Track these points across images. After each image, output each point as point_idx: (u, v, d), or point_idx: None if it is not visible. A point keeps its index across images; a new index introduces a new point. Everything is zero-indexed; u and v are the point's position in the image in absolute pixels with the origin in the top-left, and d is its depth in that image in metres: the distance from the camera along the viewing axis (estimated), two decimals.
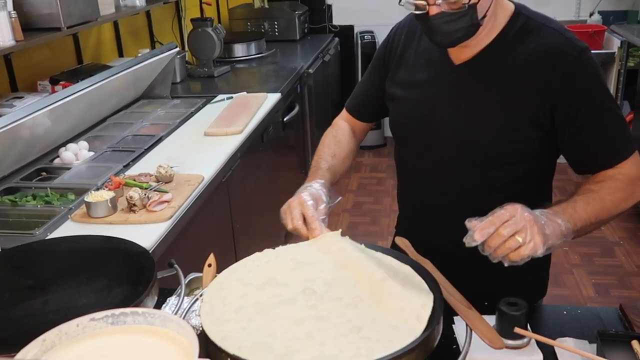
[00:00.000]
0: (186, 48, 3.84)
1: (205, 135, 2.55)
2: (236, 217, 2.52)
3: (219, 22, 4.58)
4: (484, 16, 1.19)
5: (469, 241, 1.04)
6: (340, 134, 1.54)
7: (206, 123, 2.68)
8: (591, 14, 4.67)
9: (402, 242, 1.31)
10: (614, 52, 4.19)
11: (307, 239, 1.22)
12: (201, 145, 2.44)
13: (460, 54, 1.29)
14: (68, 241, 1.38)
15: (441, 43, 1.24)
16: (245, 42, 4.17)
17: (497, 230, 1.02)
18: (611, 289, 3.10)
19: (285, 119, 3.40)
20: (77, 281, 1.16)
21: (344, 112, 1.61)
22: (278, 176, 3.41)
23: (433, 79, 1.34)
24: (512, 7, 1.28)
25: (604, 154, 1.24)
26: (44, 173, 2.24)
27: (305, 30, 4.81)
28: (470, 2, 1.15)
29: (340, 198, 1.35)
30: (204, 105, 3.02)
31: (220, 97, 3.14)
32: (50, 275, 1.19)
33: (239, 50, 4.13)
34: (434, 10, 1.16)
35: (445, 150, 1.33)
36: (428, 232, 1.41)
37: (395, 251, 1.20)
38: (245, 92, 3.18)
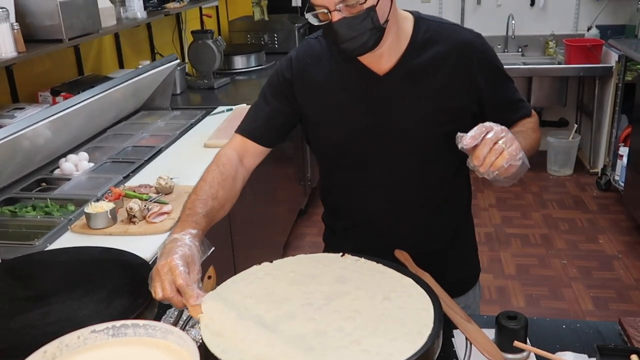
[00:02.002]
0: (186, 60, 3.86)
1: (205, 147, 2.56)
2: (235, 229, 2.52)
3: (219, 34, 4.61)
4: (386, 20, 1.26)
5: (462, 145, 1.14)
6: (226, 171, 1.39)
7: (206, 134, 2.69)
8: (589, 28, 4.70)
9: (402, 255, 1.31)
10: (612, 66, 4.22)
11: (182, 307, 1.08)
12: (201, 157, 2.44)
13: (380, 65, 1.35)
14: (68, 252, 1.39)
15: (349, 49, 1.27)
16: (245, 54, 4.19)
17: (483, 138, 1.13)
18: (610, 302, 3.10)
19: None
20: (77, 292, 1.16)
21: (235, 139, 1.48)
22: (277, 188, 3.41)
23: (362, 93, 1.37)
24: (411, 16, 1.39)
25: (521, 108, 1.46)
26: (44, 184, 2.24)
27: None
28: (368, 6, 1.21)
29: (213, 249, 1.24)
30: (203, 116, 3.04)
31: (220, 108, 3.16)
32: (51, 287, 1.20)
33: (239, 62, 4.15)
34: (336, 17, 1.21)
35: (388, 158, 1.39)
36: (373, 240, 1.45)
37: (395, 264, 1.21)
38: (245, 104, 3.19)
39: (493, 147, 1.12)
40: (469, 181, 1.56)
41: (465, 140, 1.13)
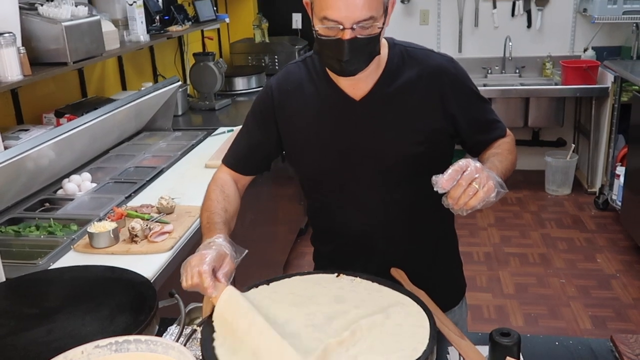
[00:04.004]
0: (188, 81, 3.92)
1: (206, 167, 2.60)
2: (235, 247, 2.55)
3: (221, 56, 4.68)
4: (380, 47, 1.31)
5: (437, 188, 1.17)
6: (227, 189, 1.50)
7: (207, 155, 2.73)
8: (585, 50, 4.76)
9: (398, 274, 1.34)
10: (608, 87, 4.27)
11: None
12: (202, 177, 2.48)
13: (357, 90, 1.39)
14: (72, 271, 1.42)
15: (347, 69, 1.29)
16: (246, 75, 4.25)
17: (458, 181, 1.15)
18: (608, 321, 3.11)
19: (284, 152, 3.45)
20: (81, 310, 1.19)
21: (223, 167, 1.57)
22: (277, 207, 3.44)
23: (338, 118, 1.40)
24: (385, 42, 1.42)
25: (495, 129, 1.48)
26: (47, 204, 2.28)
27: None
28: (379, 32, 1.26)
29: (246, 251, 1.33)
30: (205, 137, 3.08)
31: (221, 129, 3.20)
32: (55, 304, 1.23)
33: (240, 83, 4.21)
34: (348, 35, 1.23)
35: (370, 178, 1.42)
36: (356, 259, 1.47)
37: (390, 282, 1.24)
38: None
39: (467, 188, 1.14)
40: None
41: (441, 183, 1.15)
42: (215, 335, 1.08)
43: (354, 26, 1.22)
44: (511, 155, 1.43)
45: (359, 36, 1.24)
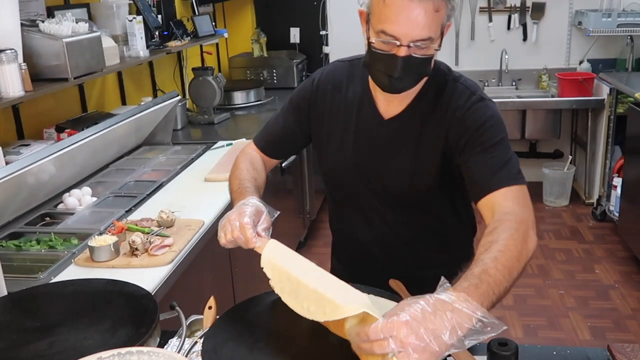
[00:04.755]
0: (187, 96, 3.94)
1: (206, 181, 2.61)
2: (235, 261, 2.56)
3: (219, 70, 4.71)
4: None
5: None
6: (256, 163, 1.55)
7: (206, 169, 2.75)
8: (581, 62, 4.80)
9: (396, 285, 1.35)
10: (604, 99, 4.30)
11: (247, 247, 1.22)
12: (202, 191, 2.50)
13: (389, 108, 1.38)
14: (73, 284, 1.42)
15: (395, 85, 1.28)
16: (245, 89, 4.28)
17: (373, 345, 0.90)
18: (607, 332, 3.12)
19: (283, 165, 3.47)
20: (83, 323, 1.20)
21: (253, 145, 1.62)
22: (277, 220, 3.44)
23: (363, 132, 1.41)
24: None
25: (497, 180, 1.26)
26: (47, 218, 2.29)
27: (303, 78, 4.93)
28: (434, 53, 1.25)
29: (278, 212, 1.35)
30: (204, 151, 3.10)
31: (220, 143, 3.22)
32: (56, 318, 1.24)
33: (239, 97, 4.24)
34: (403, 52, 1.22)
35: (378, 196, 1.42)
36: (363, 265, 1.49)
37: (389, 293, 1.25)
38: (244, 139, 3.25)
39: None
40: (468, 220, 1.54)
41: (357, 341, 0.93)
42: (271, 282, 1.11)
43: (411, 44, 1.20)
44: (512, 239, 1.10)
45: (413, 55, 1.22)
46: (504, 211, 1.18)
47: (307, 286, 1.06)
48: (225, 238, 1.23)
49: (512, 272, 1.07)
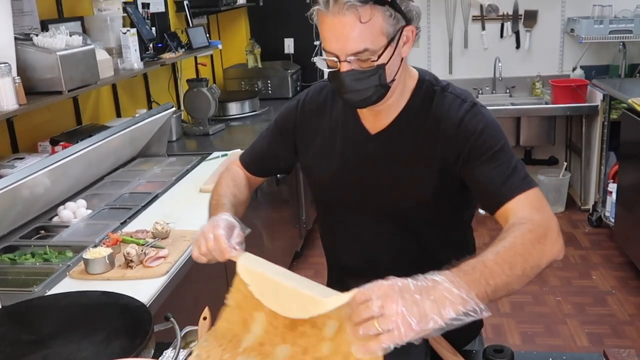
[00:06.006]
0: (182, 107, 3.95)
1: (201, 192, 2.61)
2: (230, 271, 2.55)
3: (214, 81, 4.72)
4: (393, 79, 1.26)
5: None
6: (238, 179, 1.56)
7: (201, 180, 2.75)
8: (574, 69, 4.83)
9: None
10: (598, 105, 4.32)
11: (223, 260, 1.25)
12: (197, 202, 2.50)
13: (375, 123, 1.36)
14: (67, 297, 1.43)
15: (351, 101, 1.27)
16: (240, 100, 4.29)
17: (357, 309, 0.92)
18: (605, 338, 3.11)
19: (278, 175, 3.47)
20: (77, 335, 1.20)
21: (238, 162, 1.63)
22: (272, 231, 3.45)
23: (350, 149, 1.38)
24: (417, 73, 1.36)
25: (507, 189, 1.23)
26: (42, 231, 2.29)
27: (298, 88, 4.95)
28: (379, 63, 1.21)
29: (249, 230, 1.36)
30: (199, 162, 3.10)
31: (215, 154, 3.22)
32: (51, 330, 1.24)
33: (233, 108, 4.25)
34: (344, 67, 1.21)
35: (369, 215, 1.39)
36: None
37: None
38: (239, 149, 3.25)
39: (366, 323, 0.91)
40: (464, 240, 1.49)
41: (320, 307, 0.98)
42: (250, 287, 1.14)
43: (349, 59, 1.20)
44: (523, 238, 1.11)
45: (355, 68, 1.21)
46: (519, 216, 1.18)
47: (287, 286, 1.06)
48: (199, 251, 1.25)
49: (513, 268, 1.06)
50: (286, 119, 1.50)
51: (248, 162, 1.61)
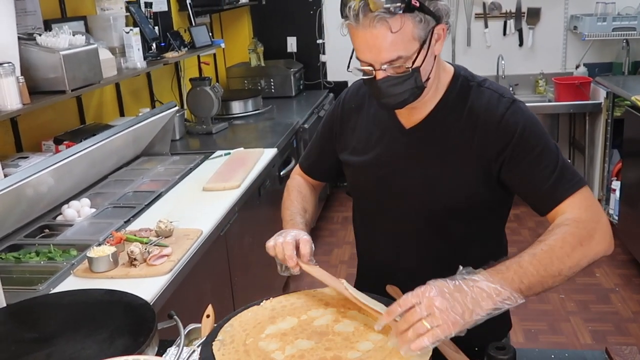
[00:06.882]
0: (185, 106, 3.96)
1: (204, 191, 2.62)
2: (234, 269, 2.57)
3: (217, 80, 4.73)
4: (427, 78, 1.26)
5: (376, 326, 1.09)
6: (303, 190, 1.61)
7: (205, 178, 2.76)
8: (577, 67, 4.82)
9: (393, 290, 1.36)
10: (601, 103, 4.32)
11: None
12: (200, 200, 2.51)
13: (410, 117, 1.36)
14: (71, 295, 1.43)
15: (388, 105, 1.29)
16: (243, 99, 4.30)
17: (404, 315, 1.02)
18: (608, 335, 3.11)
19: (281, 173, 3.48)
20: (81, 333, 1.20)
21: (298, 169, 1.67)
22: (275, 229, 3.44)
23: (386, 143, 1.40)
24: (452, 69, 1.36)
25: (556, 192, 1.25)
26: (46, 230, 2.30)
27: (301, 87, 4.96)
28: (414, 67, 1.21)
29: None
30: (202, 161, 3.11)
31: (218, 153, 3.23)
32: (54, 328, 1.24)
33: (237, 107, 4.25)
34: (380, 75, 1.22)
35: (403, 210, 1.39)
36: (384, 283, 1.44)
37: (386, 299, 1.25)
38: (242, 148, 3.26)
39: (415, 324, 1.01)
40: (497, 240, 1.47)
41: (379, 322, 1.07)
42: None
43: (384, 66, 1.21)
44: (562, 241, 1.16)
45: (391, 74, 1.22)
46: (566, 217, 1.21)
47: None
48: (276, 253, 1.41)
49: (548, 268, 1.13)
50: (331, 119, 1.54)
51: (306, 168, 1.64)
